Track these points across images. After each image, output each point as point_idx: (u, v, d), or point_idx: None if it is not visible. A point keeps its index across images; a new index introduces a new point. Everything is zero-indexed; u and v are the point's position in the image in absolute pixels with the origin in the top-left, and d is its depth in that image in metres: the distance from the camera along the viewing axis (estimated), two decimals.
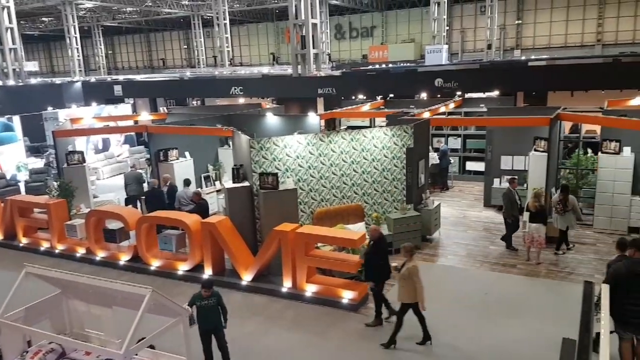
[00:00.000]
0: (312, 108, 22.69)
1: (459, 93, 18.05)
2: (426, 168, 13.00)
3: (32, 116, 21.41)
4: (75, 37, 36.81)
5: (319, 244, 9.87)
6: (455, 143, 17.88)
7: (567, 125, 15.30)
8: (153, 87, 29.37)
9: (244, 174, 10.75)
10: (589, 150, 14.75)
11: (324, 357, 7.75)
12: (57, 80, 34.34)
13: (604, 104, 13.66)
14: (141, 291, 5.31)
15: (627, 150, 11.91)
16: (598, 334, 4.96)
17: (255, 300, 9.58)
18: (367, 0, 42.79)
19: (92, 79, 33.03)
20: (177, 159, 14.23)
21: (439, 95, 18.75)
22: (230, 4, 41.68)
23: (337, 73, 27.10)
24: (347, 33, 47.59)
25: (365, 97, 20.00)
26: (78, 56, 36.97)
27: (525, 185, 13.01)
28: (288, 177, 10.79)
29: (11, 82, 27.60)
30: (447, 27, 37.62)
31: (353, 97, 20.27)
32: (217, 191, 14.94)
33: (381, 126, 14.35)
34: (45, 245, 12.59)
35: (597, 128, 14.60)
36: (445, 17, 34.74)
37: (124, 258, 11.40)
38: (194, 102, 29.80)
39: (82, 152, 14.86)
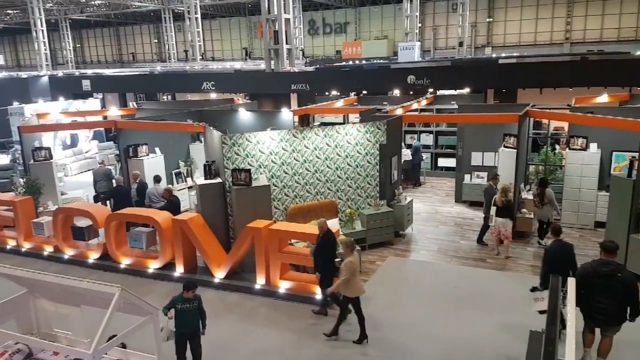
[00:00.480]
0: (286, 104, 22.59)
1: (430, 90, 18.21)
2: (399, 164, 13.11)
3: None
4: (42, 31, 35.73)
5: (293, 241, 9.87)
6: (427, 139, 18.09)
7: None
8: (122, 82, 28.79)
9: (216, 170, 10.67)
10: (557, 147, 15.10)
11: (301, 354, 7.74)
12: (23, 75, 33.41)
13: (572, 101, 13.97)
14: (110, 290, 5.21)
15: (593, 146, 12.22)
16: (564, 324, 5.15)
17: (229, 298, 9.52)
18: None
19: (60, 73, 32.11)
20: (147, 155, 13.98)
21: (411, 92, 18.90)
22: None
23: (310, 69, 27.05)
24: (320, 29, 47.49)
25: (338, 94, 20.03)
26: (45, 50, 35.88)
27: None
28: (261, 174, 10.74)
29: None
30: (420, 25, 37.96)
31: (327, 93, 20.28)
32: (189, 188, 14.80)
33: (354, 123, 14.41)
34: (11, 244, 12.29)
35: (565, 125, 14.94)
36: (417, 14, 35.12)
37: (92, 256, 11.20)
38: (165, 97, 29.35)
39: (49, 148, 14.50)
